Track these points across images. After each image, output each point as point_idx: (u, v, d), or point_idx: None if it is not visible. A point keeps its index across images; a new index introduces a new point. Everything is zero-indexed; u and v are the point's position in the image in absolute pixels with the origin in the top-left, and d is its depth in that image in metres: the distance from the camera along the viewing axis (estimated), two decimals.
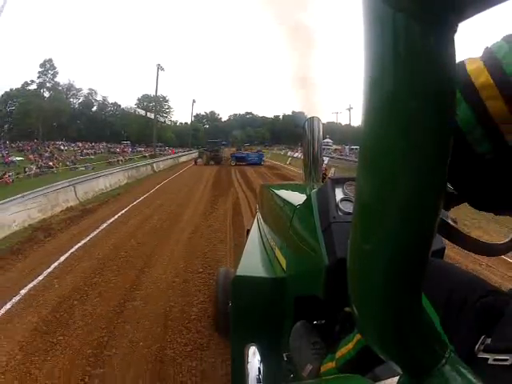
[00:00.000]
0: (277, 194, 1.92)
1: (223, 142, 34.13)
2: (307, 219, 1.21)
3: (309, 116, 2.31)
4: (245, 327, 1.42)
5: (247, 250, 1.89)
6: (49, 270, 4.39)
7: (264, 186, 2.60)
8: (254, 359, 1.01)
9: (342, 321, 1.10)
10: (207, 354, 2.62)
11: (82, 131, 59.44)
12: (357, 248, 0.34)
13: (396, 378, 0.44)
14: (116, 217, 7.38)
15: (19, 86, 56.55)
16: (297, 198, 1.55)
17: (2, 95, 55.48)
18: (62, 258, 4.79)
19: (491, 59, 0.41)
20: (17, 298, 3.61)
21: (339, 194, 1.11)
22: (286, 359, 1.22)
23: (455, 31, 0.25)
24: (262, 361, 1.01)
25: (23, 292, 3.76)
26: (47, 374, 2.43)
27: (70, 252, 5.05)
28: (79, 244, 5.44)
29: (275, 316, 1.37)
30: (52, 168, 21.83)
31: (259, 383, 0.94)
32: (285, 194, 1.89)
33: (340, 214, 1.05)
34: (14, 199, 6.83)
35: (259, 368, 0.98)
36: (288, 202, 1.60)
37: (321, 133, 2.19)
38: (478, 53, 0.43)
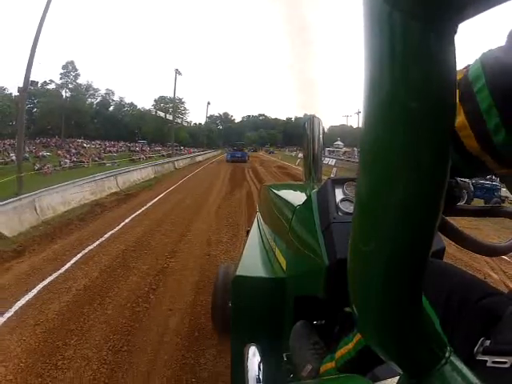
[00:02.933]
0: (277, 194, 1.94)
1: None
2: (307, 219, 1.21)
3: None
4: (245, 327, 1.43)
5: (247, 250, 1.89)
6: (119, 226, 6.32)
7: (264, 186, 2.63)
8: (253, 359, 1.00)
9: (342, 321, 1.11)
10: (231, 251, 4.76)
11: (100, 130, 60.92)
12: (357, 248, 0.35)
13: (396, 378, 0.46)
14: (156, 199, 9.37)
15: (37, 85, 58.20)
16: (297, 197, 1.56)
17: None
18: (127, 220, 6.77)
19: (467, 93, 0.39)
20: (102, 239, 5.48)
21: (339, 194, 1.11)
22: (285, 359, 1.22)
23: (455, 32, 0.25)
24: (261, 361, 1.00)
25: (106, 236, 5.66)
26: (143, 263, 4.39)
27: (130, 217, 7.02)
28: (136, 213, 7.43)
29: (275, 316, 1.37)
30: (83, 162, 24.28)
31: (259, 383, 0.94)
32: (285, 194, 1.91)
33: (340, 214, 1.05)
34: (70, 184, 8.66)
35: (259, 368, 0.97)
36: (288, 202, 1.60)
37: (321, 133, 2.17)
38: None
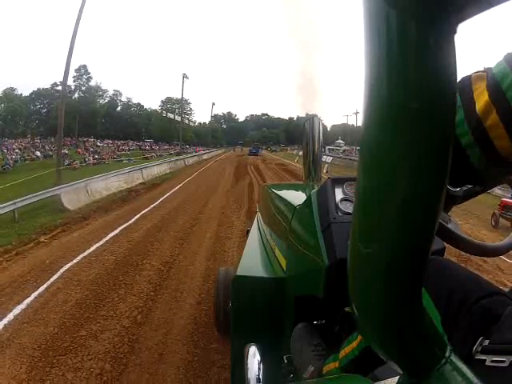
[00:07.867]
0: (277, 194, 1.93)
1: (240, 142, 43.65)
2: (307, 219, 1.21)
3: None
4: (245, 327, 1.44)
5: (247, 250, 1.90)
6: (158, 201, 8.90)
7: (264, 186, 2.64)
8: (253, 359, 0.99)
9: (342, 321, 1.13)
10: (236, 211, 7.32)
11: (109, 130, 62.66)
12: (357, 248, 0.34)
13: (396, 378, 0.46)
14: (178, 187, 11.99)
15: (47, 85, 59.87)
16: (297, 197, 1.57)
17: (31, 94, 59.24)
18: (162, 198, 9.35)
19: (497, 92, 0.40)
20: (150, 207, 8.04)
21: (339, 194, 1.12)
22: (286, 361, 1.23)
23: (455, 32, 0.25)
24: (261, 361, 0.99)
25: (151, 206, 8.19)
26: (183, 216, 6.96)
27: (164, 197, 9.63)
28: (166, 195, 10.04)
29: (275, 316, 1.38)
30: (104, 159, 27.00)
31: (259, 383, 0.94)
32: (285, 193, 1.91)
33: (340, 214, 1.05)
34: (107, 175, 11.14)
35: (259, 368, 0.97)
36: (288, 202, 1.60)
37: (321, 132, 2.20)
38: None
